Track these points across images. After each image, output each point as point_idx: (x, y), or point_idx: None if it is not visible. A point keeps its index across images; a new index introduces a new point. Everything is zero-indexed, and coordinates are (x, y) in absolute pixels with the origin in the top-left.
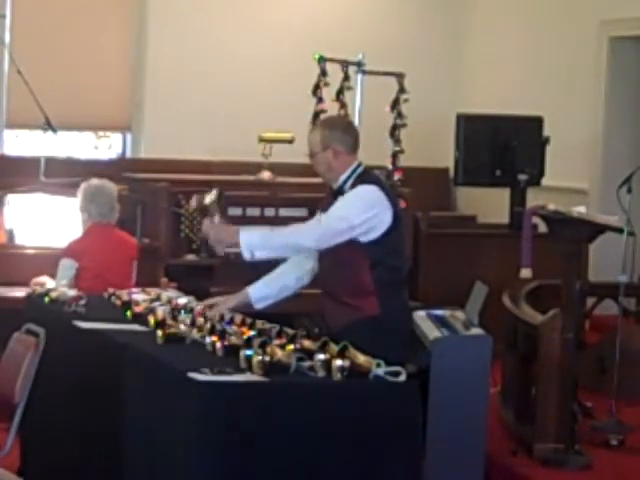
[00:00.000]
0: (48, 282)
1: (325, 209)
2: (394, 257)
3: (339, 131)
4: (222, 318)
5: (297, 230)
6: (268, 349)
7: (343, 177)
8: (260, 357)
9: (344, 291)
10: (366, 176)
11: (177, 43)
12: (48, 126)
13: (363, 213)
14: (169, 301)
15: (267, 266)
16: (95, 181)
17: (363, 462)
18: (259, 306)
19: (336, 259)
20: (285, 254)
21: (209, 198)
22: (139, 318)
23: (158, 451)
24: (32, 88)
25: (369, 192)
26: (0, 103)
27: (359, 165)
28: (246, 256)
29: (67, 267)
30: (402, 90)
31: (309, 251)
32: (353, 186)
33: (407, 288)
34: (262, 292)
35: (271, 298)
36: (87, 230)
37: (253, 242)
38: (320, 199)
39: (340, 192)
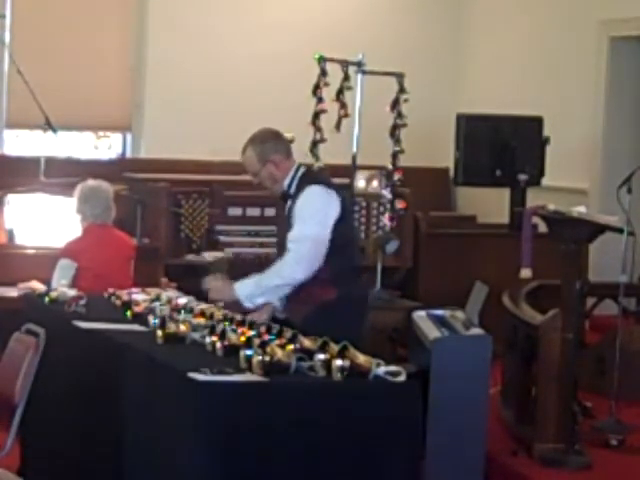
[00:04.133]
0: (38, 287)
1: (286, 215)
2: (346, 246)
3: (271, 142)
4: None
5: (283, 268)
6: (268, 349)
7: (287, 182)
8: (260, 357)
9: (303, 283)
10: (308, 176)
11: (177, 43)
12: (48, 126)
13: (323, 219)
14: (169, 301)
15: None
16: (90, 182)
17: (363, 462)
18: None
19: None
20: (281, 293)
21: (215, 257)
22: (139, 318)
23: (158, 451)
24: (32, 88)
25: (312, 195)
26: (0, 103)
27: (299, 167)
28: (249, 306)
29: (66, 267)
30: (402, 90)
31: (302, 281)
32: (298, 187)
33: (361, 273)
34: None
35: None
36: (85, 230)
37: (250, 292)
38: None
39: (288, 195)
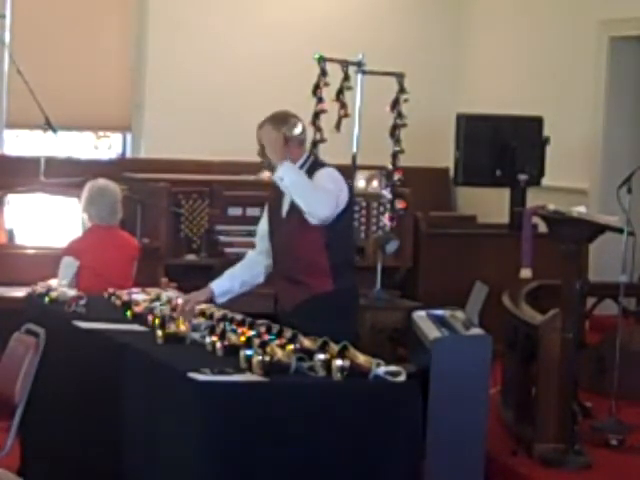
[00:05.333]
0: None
1: (272, 205)
2: (346, 238)
3: (289, 124)
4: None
5: (321, 195)
6: (268, 349)
7: (298, 164)
8: (260, 357)
9: (299, 270)
10: (320, 163)
11: (177, 43)
12: (48, 126)
13: (337, 187)
14: (169, 301)
15: None
16: (100, 182)
17: (363, 462)
18: (221, 300)
19: (293, 240)
20: (300, 200)
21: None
22: (139, 318)
23: (158, 451)
24: (32, 88)
25: (334, 172)
26: (0, 103)
27: (309, 155)
28: (276, 177)
29: (68, 265)
30: (402, 90)
31: (316, 217)
32: (309, 171)
33: (355, 270)
34: (224, 287)
35: (232, 293)
36: (88, 229)
37: (290, 171)
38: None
39: None
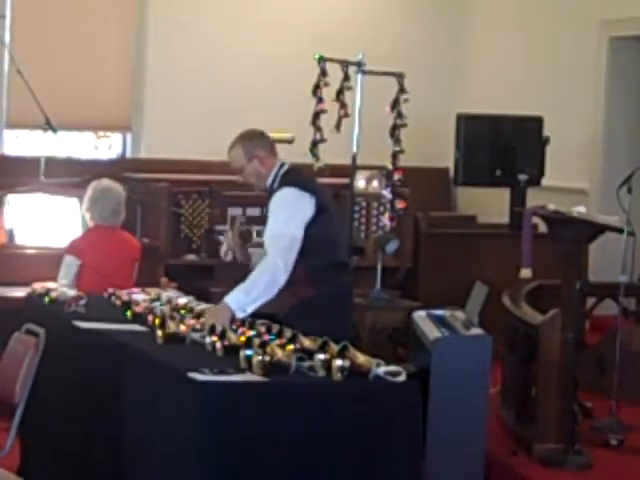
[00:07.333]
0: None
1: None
2: (324, 243)
3: (256, 139)
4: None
5: (265, 271)
6: (268, 349)
7: (269, 180)
8: (260, 357)
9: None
10: (287, 176)
11: (177, 43)
12: (48, 126)
13: (292, 219)
14: (169, 301)
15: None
16: (104, 182)
17: (363, 462)
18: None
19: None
20: (269, 295)
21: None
22: (139, 318)
23: (158, 451)
24: (32, 88)
25: (285, 197)
26: (0, 103)
27: (282, 165)
28: (241, 316)
29: (69, 264)
30: (402, 90)
31: (285, 276)
32: (279, 186)
33: (347, 270)
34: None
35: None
36: (90, 229)
37: (240, 302)
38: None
39: (271, 193)
